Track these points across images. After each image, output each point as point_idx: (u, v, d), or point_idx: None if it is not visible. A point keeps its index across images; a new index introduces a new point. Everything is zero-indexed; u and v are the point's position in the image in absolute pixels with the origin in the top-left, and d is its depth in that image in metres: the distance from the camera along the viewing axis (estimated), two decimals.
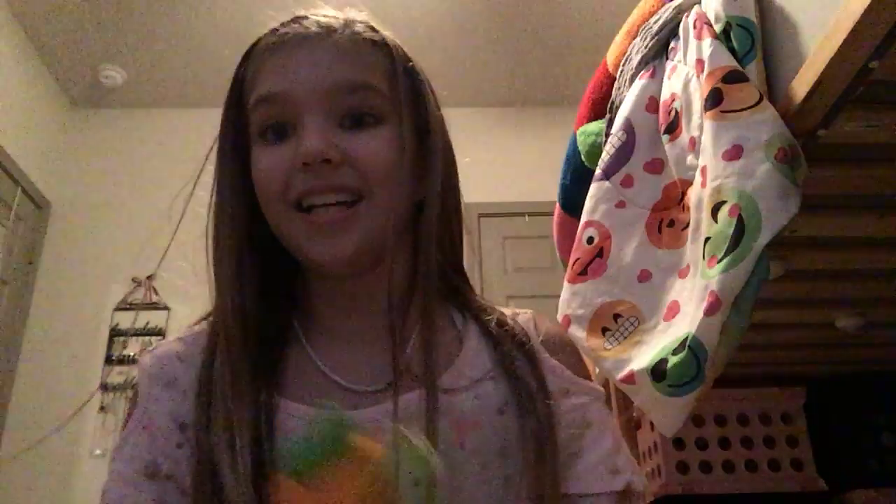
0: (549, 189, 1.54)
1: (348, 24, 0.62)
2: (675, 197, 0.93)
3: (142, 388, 0.59)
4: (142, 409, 0.58)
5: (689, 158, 0.88)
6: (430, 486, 0.51)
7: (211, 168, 0.63)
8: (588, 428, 0.63)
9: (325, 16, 0.63)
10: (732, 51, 0.81)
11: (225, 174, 0.62)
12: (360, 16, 0.64)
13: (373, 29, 0.63)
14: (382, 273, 0.59)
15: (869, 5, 0.62)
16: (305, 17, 0.63)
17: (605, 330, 0.94)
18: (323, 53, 0.59)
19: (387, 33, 0.63)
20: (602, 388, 0.65)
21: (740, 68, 0.79)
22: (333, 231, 0.57)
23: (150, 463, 0.56)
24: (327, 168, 0.56)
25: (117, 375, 3.14)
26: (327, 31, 0.60)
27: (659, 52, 0.99)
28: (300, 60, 0.59)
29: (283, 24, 0.63)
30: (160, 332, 3.22)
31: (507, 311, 0.69)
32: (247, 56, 0.64)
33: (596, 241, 0.99)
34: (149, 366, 0.61)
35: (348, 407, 0.57)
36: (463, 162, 0.76)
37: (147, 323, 3.23)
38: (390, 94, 0.60)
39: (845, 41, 0.65)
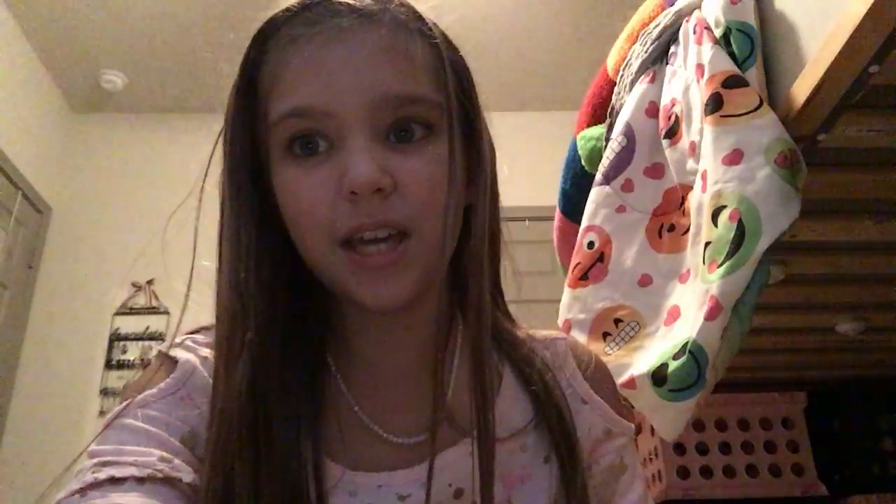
0: (549, 194, 1.54)
1: (387, 7, 0.51)
2: (675, 201, 0.93)
3: (187, 377, 0.51)
4: (187, 395, 0.51)
5: (690, 163, 0.88)
6: None
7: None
8: (623, 472, 0.59)
9: None
10: (732, 56, 0.81)
11: (238, 193, 0.52)
12: None
13: (415, 12, 0.52)
14: (423, 303, 0.52)
15: (868, 10, 0.62)
16: None
17: (605, 335, 0.94)
18: (364, 53, 0.49)
19: (429, 18, 0.53)
20: (632, 424, 0.61)
21: (740, 73, 0.79)
22: (385, 274, 0.49)
23: (191, 433, 0.49)
24: (377, 198, 0.47)
25: (117, 380, 3.14)
26: (365, 19, 0.50)
27: (659, 57, 0.99)
28: (338, 63, 0.48)
29: (304, 5, 0.51)
30: (160, 337, 3.21)
31: (541, 337, 0.63)
32: (262, 41, 0.52)
33: (597, 245, 0.99)
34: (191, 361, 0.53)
35: (389, 466, 0.52)
36: None
37: (147, 327, 3.23)
38: (439, 99, 0.51)
39: (845, 46, 0.65)
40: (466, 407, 0.51)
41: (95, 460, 0.45)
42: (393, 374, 0.55)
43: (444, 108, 0.50)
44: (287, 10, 0.51)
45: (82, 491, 0.43)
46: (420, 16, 0.52)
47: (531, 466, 0.54)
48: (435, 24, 0.53)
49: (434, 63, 0.51)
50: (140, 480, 0.44)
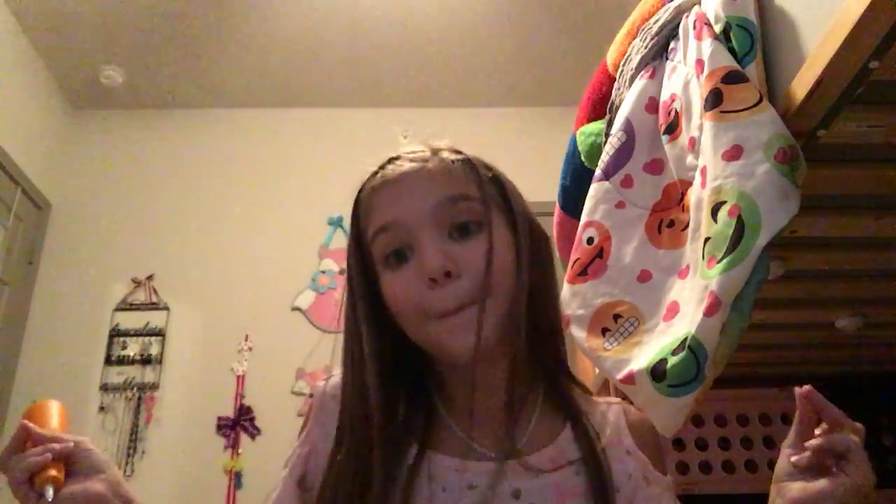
0: (548, 189, 1.54)
1: (435, 152, 0.72)
2: (674, 197, 0.93)
3: (314, 407, 0.74)
4: (310, 426, 0.74)
5: (689, 159, 0.88)
6: None
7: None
8: None
9: (413, 151, 0.73)
10: (732, 51, 0.81)
11: (357, 295, 0.72)
12: (442, 143, 0.74)
13: (457, 151, 0.73)
14: (496, 361, 0.69)
15: (868, 6, 0.62)
16: (398, 157, 0.73)
17: (605, 330, 0.94)
18: (421, 181, 0.69)
19: (469, 152, 0.73)
20: (668, 477, 0.76)
21: (740, 69, 0.79)
22: (470, 329, 0.65)
23: (302, 474, 0.71)
24: (450, 280, 0.65)
25: (117, 376, 3.13)
26: (420, 163, 0.71)
27: (659, 52, 0.99)
28: (403, 192, 0.69)
29: (380, 167, 0.73)
30: (160, 333, 3.21)
31: (602, 401, 0.79)
32: (357, 202, 0.74)
33: (596, 241, 0.99)
34: (324, 390, 0.75)
35: (467, 458, 0.69)
36: None
37: (147, 323, 3.23)
38: (482, 199, 0.69)
39: (845, 41, 0.65)
40: (539, 438, 0.71)
41: None
42: (481, 411, 0.72)
43: (486, 202, 0.69)
44: (370, 174, 0.73)
45: None
46: (462, 153, 0.73)
47: (581, 487, 0.69)
48: (478, 158, 0.73)
49: (475, 177, 0.70)
50: None
